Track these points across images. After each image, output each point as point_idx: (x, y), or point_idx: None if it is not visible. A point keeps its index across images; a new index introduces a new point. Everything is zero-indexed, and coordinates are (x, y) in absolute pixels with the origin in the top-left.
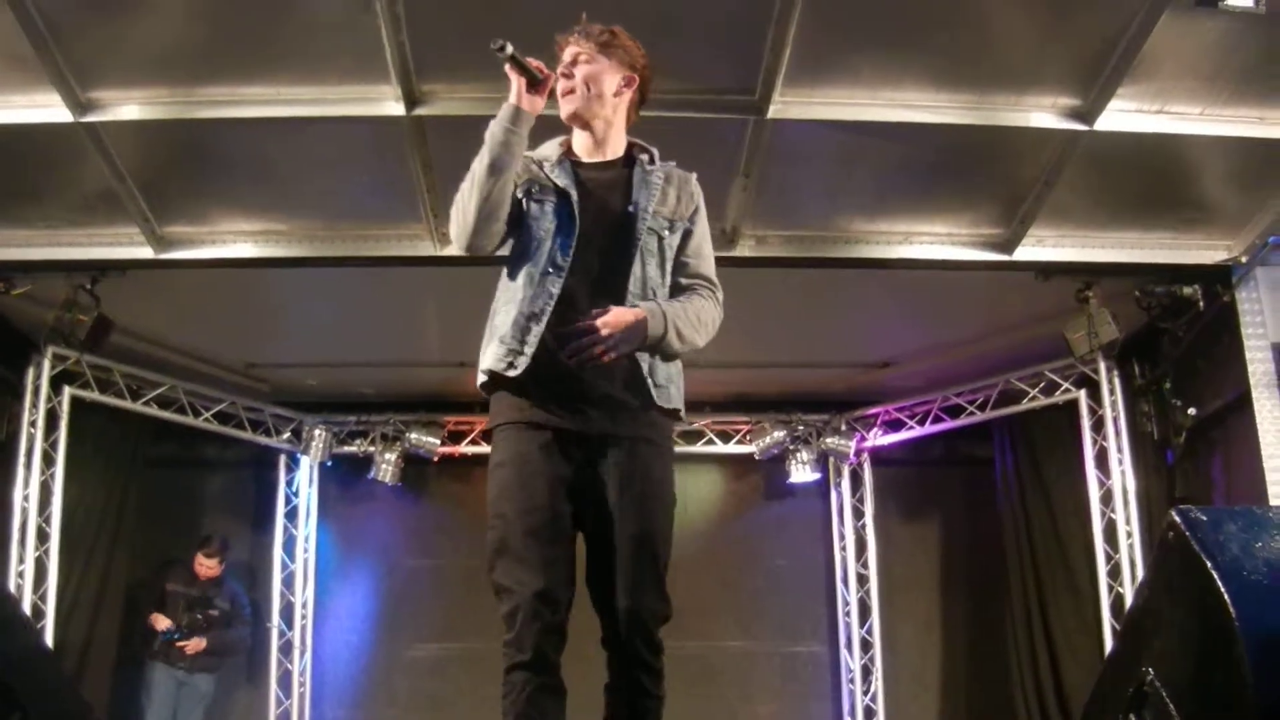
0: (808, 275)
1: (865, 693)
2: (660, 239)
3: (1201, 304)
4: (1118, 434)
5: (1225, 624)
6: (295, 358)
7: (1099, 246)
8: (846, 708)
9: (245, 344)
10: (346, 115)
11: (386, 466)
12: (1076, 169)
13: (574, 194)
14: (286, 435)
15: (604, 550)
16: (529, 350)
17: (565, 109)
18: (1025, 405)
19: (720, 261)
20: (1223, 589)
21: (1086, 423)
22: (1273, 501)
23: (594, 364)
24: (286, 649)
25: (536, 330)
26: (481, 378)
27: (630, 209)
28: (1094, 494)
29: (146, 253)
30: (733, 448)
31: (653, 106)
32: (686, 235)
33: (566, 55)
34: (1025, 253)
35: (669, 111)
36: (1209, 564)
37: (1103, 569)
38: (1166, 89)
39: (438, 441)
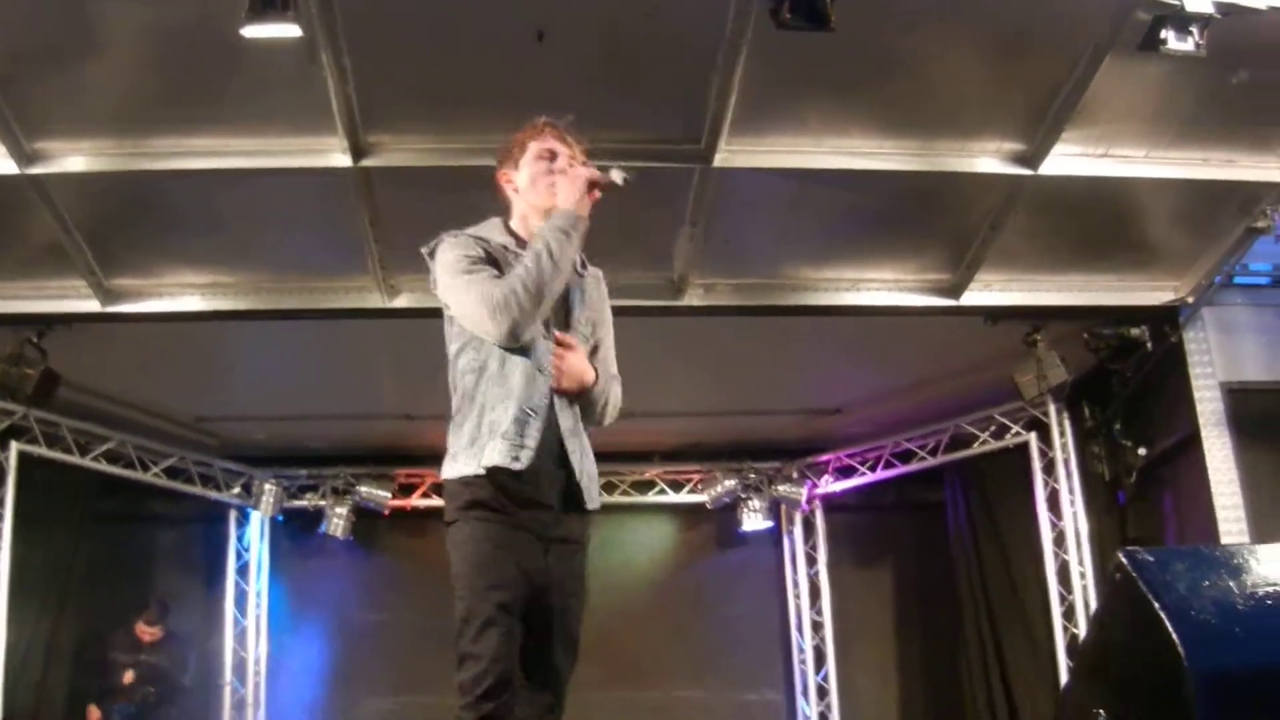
0: (757, 323)
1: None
2: (588, 340)
3: (1150, 345)
4: (1069, 475)
5: (1174, 664)
6: (244, 411)
7: (1046, 290)
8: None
9: (194, 397)
10: (293, 167)
11: (338, 520)
12: (1023, 213)
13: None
14: (237, 490)
15: (540, 637)
16: (531, 444)
17: (557, 200)
18: (976, 449)
19: (668, 311)
20: (1171, 629)
21: (1037, 465)
22: (1224, 539)
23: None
24: (240, 706)
25: (536, 425)
26: (469, 470)
27: (572, 312)
28: (1046, 535)
29: (93, 306)
30: (684, 497)
31: (600, 155)
32: (602, 338)
33: (563, 149)
34: (973, 297)
35: (612, 161)
36: (1156, 604)
37: (1057, 610)
38: (1111, 132)
39: (388, 495)
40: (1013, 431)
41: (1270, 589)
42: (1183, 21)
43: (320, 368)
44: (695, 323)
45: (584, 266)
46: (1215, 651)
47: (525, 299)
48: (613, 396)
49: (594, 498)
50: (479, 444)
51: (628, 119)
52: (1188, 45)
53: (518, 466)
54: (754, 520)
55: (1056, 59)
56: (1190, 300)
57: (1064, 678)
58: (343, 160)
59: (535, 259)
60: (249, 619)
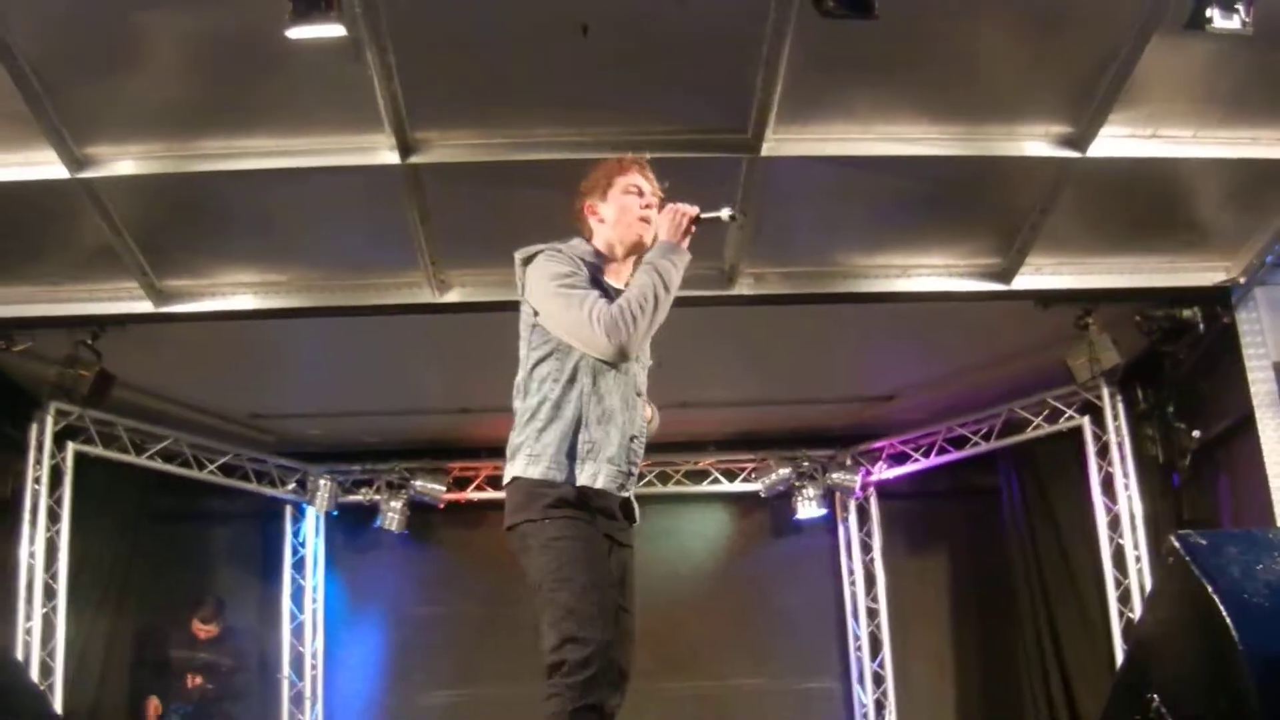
0: (808, 311)
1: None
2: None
3: (1202, 326)
4: (1123, 459)
5: (1228, 647)
6: (298, 408)
7: (1097, 272)
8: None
9: (248, 395)
10: (341, 165)
11: (392, 515)
12: (1071, 196)
13: None
14: (291, 486)
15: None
16: (634, 470)
17: (645, 235)
18: (1029, 434)
19: (719, 301)
20: (1224, 612)
21: (1091, 449)
22: None
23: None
24: (298, 700)
25: (638, 451)
26: (558, 476)
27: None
28: (1101, 519)
29: (146, 307)
30: (738, 486)
31: (646, 147)
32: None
33: (647, 185)
34: (1024, 281)
35: (662, 153)
36: (1210, 588)
37: (1112, 594)
38: (1158, 113)
39: (443, 488)
40: (1066, 415)
41: None
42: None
43: (373, 363)
44: (746, 312)
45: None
46: (1269, 634)
47: (641, 320)
48: None
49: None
50: (578, 457)
51: (673, 111)
52: (1234, 23)
53: (625, 494)
54: (808, 508)
55: (1101, 39)
56: (1242, 280)
57: (1119, 661)
58: (391, 157)
59: (651, 285)
60: (305, 614)
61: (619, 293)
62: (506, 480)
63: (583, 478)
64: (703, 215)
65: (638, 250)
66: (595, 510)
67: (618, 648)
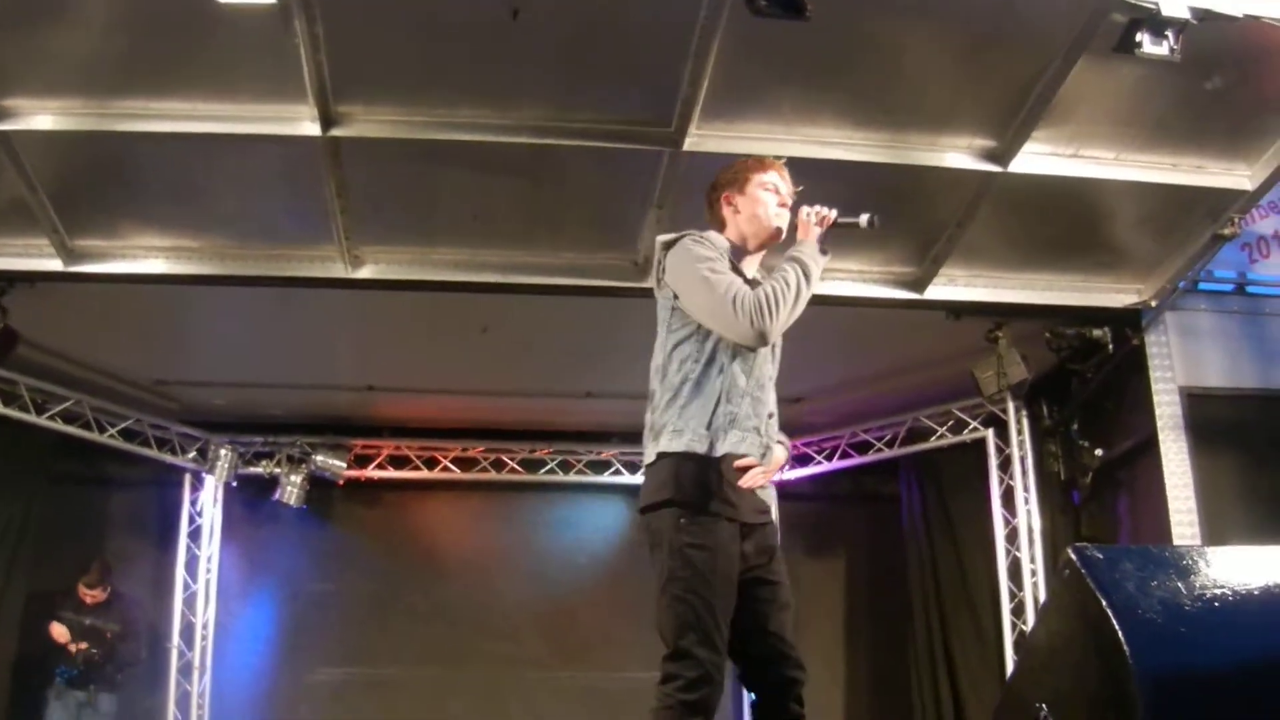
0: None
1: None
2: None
3: (1111, 347)
4: (1024, 473)
5: (1119, 663)
6: (204, 376)
7: (1010, 287)
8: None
9: (154, 360)
10: (262, 134)
11: (291, 489)
12: (990, 210)
13: None
14: (192, 454)
15: (761, 615)
16: (772, 443)
17: (776, 231)
18: (933, 443)
19: (630, 292)
20: (1117, 628)
21: (994, 462)
22: (1177, 544)
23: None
24: (186, 670)
25: (774, 427)
26: (699, 449)
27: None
28: (999, 532)
29: (56, 265)
30: (640, 478)
31: (566, 135)
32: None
33: (784, 184)
34: (937, 291)
35: (583, 140)
36: (1104, 602)
37: (1006, 606)
38: (1082, 133)
39: (344, 465)
40: (970, 427)
41: (1218, 591)
42: (1158, 25)
43: (282, 335)
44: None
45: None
46: (1161, 651)
47: (783, 310)
48: None
49: (773, 494)
50: (715, 428)
51: (598, 100)
52: (1162, 49)
53: (763, 463)
54: None
55: (1030, 57)
56: (1153, 304)
57: (1010, 673)
58: (312, 129)
59: (795, 276)
60: (199, 584)
61: (753, 284)
62: (649, 460)
63: (724, 447)
64: (840, 220)
65: (768, 245)
66: (734, 495)
67: (781, 645)
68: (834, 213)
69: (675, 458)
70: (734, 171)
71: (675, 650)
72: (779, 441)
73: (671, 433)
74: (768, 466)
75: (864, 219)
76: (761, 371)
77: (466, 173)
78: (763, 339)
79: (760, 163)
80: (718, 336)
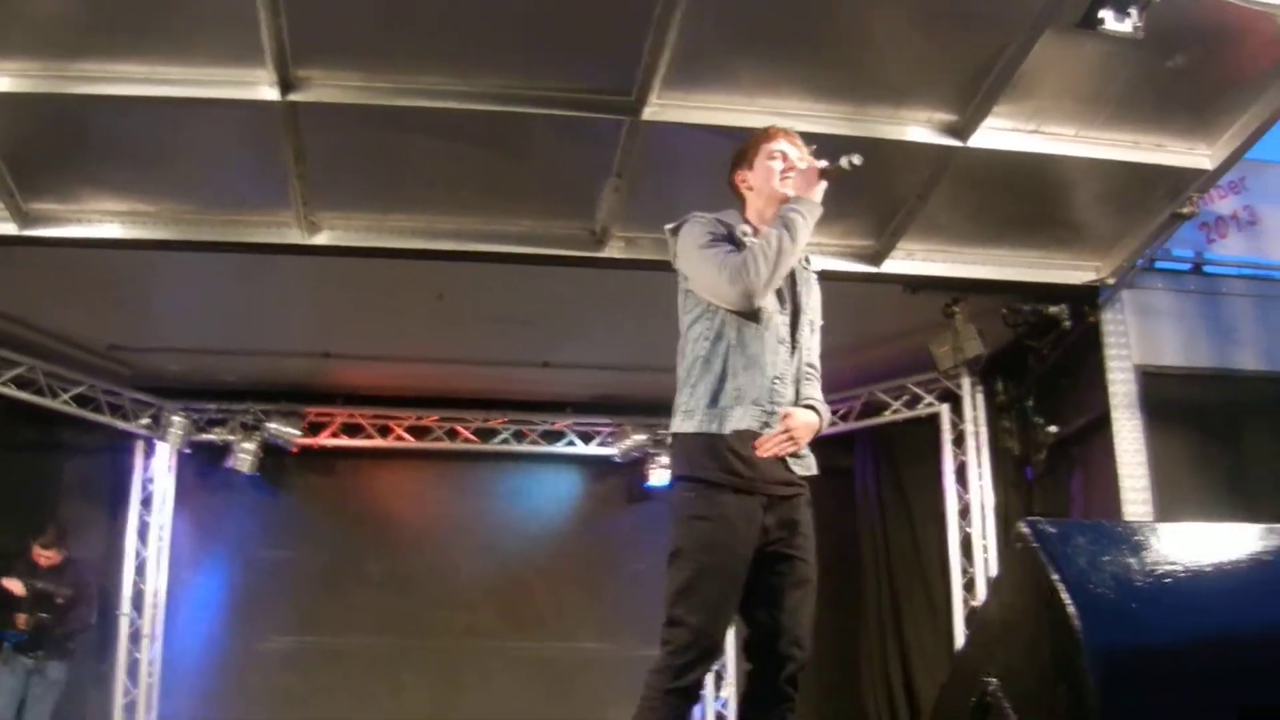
0: (675, 280)
1: (716, 698)
2: (810, 333)
3: (1068, 323)
4: (978, 449)
5: (1069, 637)
6: (158, 342)
7: (968, 262)
8: (698, 714)
9: (108, 326)
10: (220, 98)
11: (245, 456)
12: (950, 184)
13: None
14: (145, 420)
15: (774, 589)
16: (778, 410)
17: (790, 191)
18: (888, 417)
19: (588, 262)
20: (1068, 602)
21: (948, 437)
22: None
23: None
24: (136, 637)
25: (781, 392)
26: (710, 428)
27: (799, 300)
28: (952, 507)
29: (11, 229)
30: (594, 449)
31: (526, 103)
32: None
33: (793, 149)
34: (894, 265)
35: (542, 109)
36: (1055, 576)
37: (958, 581)
38: (1043, 109)
39: (298, 432)
40: (925, 402)
41: (1169, 567)
42: (1122, 2)
43: (237, 301)
44: (614, 275)
45: (808, 261)
46: (1112, 626)
47: (762, 266)
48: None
49: (812, 465)
50: (722, 406)
51: (559, 68)
52: (1126, 26)
53: (768, 431)
54: (661, 476)
55: (993, 32)
56: (1111, 282)
57: (960, 646)
58: (270, 93)
59: (776, 235)
60: (150, 551)
61: None
62: (669, 439)
63: (730, 424)
64: (826, 167)
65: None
66: (752, 466)
67: (777, 601)
68: (822, 163)
69: (685, 437)
70: (743, 149)
71: (669, 617)
72: (809, 405)
73: (683, 414)
74: (785, 431)
75: (844, 160)
76: (772, 335)
77: (426, 139)
78: (747, 299)
79: (765, 133)
80: (724, 313)
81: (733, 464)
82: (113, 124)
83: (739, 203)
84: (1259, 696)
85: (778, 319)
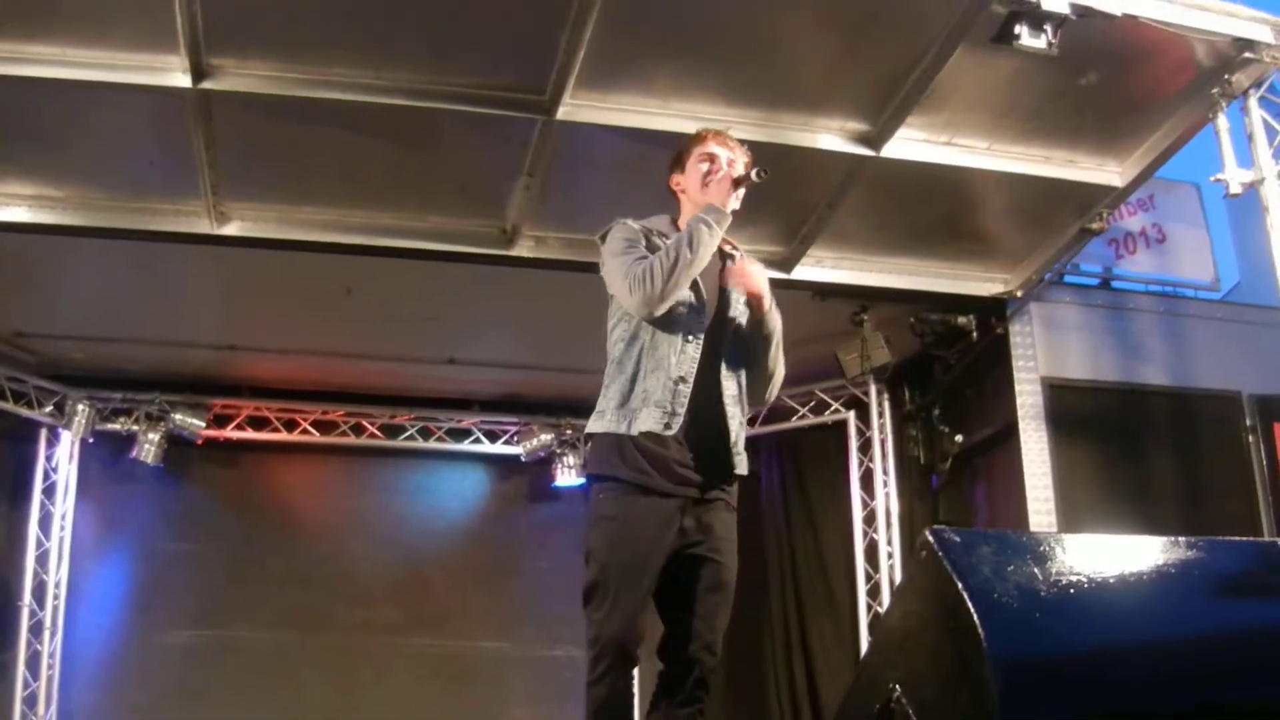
0: (586, 280)
1: None
2: (744, 320)
3: (975, 334)
4: (884, 456)
5: (973, 645)
6: (65, 329)
7: (877, 271)
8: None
9: (14, 312)
10: (131, 83)
11: (149, 446)
12: (861, 193)
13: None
14: (49, 409)
15: (688, 591)
16: (680, 410)
17: (708, 197)
18: (794, 423)
19: (496, 260)
20: (972, 611)
21: (854, 443)
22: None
23: (741, 286)
24: (37, 630)
25: (685, 391)
26: (619, 429)
27: (734, 302)
28: (857, 514)
29: None
30: (500, 448)
31: (440, 99)
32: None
33: (724, 151)
34: (804, 272)
35: (455, 104)
36: (960, 585)
37: (862, 587)
38: (956, 121)
39: (202, 424)
40: (832, 409)
41: (1073, 577)
42: (1037, 19)
43: (145, 290)
44: (523, 275)
45: (735, 249)
46: (1015, 636)
47: (659, 276)
48: (781, 375)
49: (743, 464)
50: (630, 408)
51: (474, 64)
52: (1040, 43)
53: (669, 433)
54: (567, 476)
55: (908, 43)
56: (1019, 294)
57: (864, 653)
58: (182, 80)
59: (675, 244)
60: (52, 541)
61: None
62: (584, 438)
63: (638, 425)
64: (739, 176)
65: None
66: (663, 468)
67: (685, 609)
68: (736, 172)
69: (597, 437)
70: (678, 152)
71: (587, 618)
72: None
73: (596, 414)
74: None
75: (752, 172)
76: (677, 334)
77: (337, 132)
78: (646, 308)
79: (697, 136)
80: (645, 328)
81: (640, 463)
82: (21, 106)
83: (675, 208)
84: (1158, 705)
85: (687, 319)
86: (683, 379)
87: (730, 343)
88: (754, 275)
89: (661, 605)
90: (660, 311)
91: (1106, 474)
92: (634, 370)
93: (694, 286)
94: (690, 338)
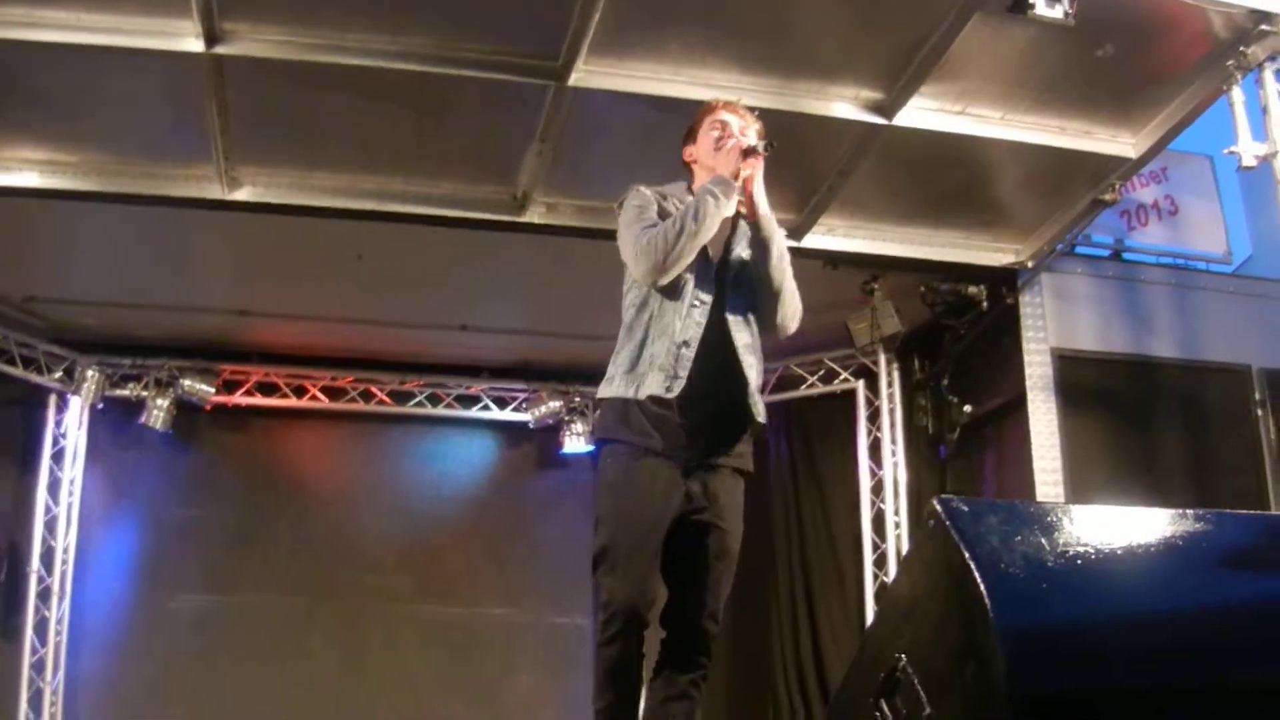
0: (597, 246)
1: None
2: (747, 257)
3: (985, 305)
4: (893, 426)
5: (980, 615)
6: (76, 294)
7: (889, 240)
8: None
9: (26, 277)
10: (144, 48)
11: (158, 412)
12: (873, 162)
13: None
14: (59, 374)
15: (692, 559)
16: (683, 374)
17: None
18: (803, 391)
19: (508, 226)
20: (979, 580)
21: (863, 413)
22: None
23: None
24: (45, 595)
25: (688, 355)
26: (627, 393)
27: (737, 252)
28: (865, 483)
29: None
30: (509, 415)
31: (454, 64)
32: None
33: (735, 120)
34: (815, 240)
35: (468, 70)
36: (967, 554)
37: (869, 557)
38: (970, 90)
39: (212, 390)
40: (841, 378)
41: (1080, 549)
42: None
43: (155, 256)
44: (534, 241)
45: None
46: (1022, 606)
47: (665, 245)
48: (794, 298)
49: (761, 411)
50: (638, 373)
51: (488, 30)
52: (1056, 13)
53: (670, 395)
54: (575, 443)
55: (923, 11)
56: (1030, 265)
57: (870, 623)
58: (195, 45)
59: (683, 213)
60: (60, 507)
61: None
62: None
63: (644, 389)
64: (745, 146)
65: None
66: (668, 432)
67: (691, 571)
68: (746, 142)
69: (604, 402)
70: (691, 124)
71: (594, 581)
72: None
73: (606, 380)
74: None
75: (760, 144)
76: (683, 300)
77: (351, 98)
78: (650, 277)
79: (707, 106)
80: (653, 294)
81: (644, 427)
82: (34, 71)
83: (689, 179)
84: (1165, 677)
85: (691, 285)
86: (686, 344)
87: (738, 292)
88: (754, 179)
89: (665, 572)
90: (665, 280)
91: (1115, 445)
92: (642, 336)
93: (703, 251)
94: (697, 302)
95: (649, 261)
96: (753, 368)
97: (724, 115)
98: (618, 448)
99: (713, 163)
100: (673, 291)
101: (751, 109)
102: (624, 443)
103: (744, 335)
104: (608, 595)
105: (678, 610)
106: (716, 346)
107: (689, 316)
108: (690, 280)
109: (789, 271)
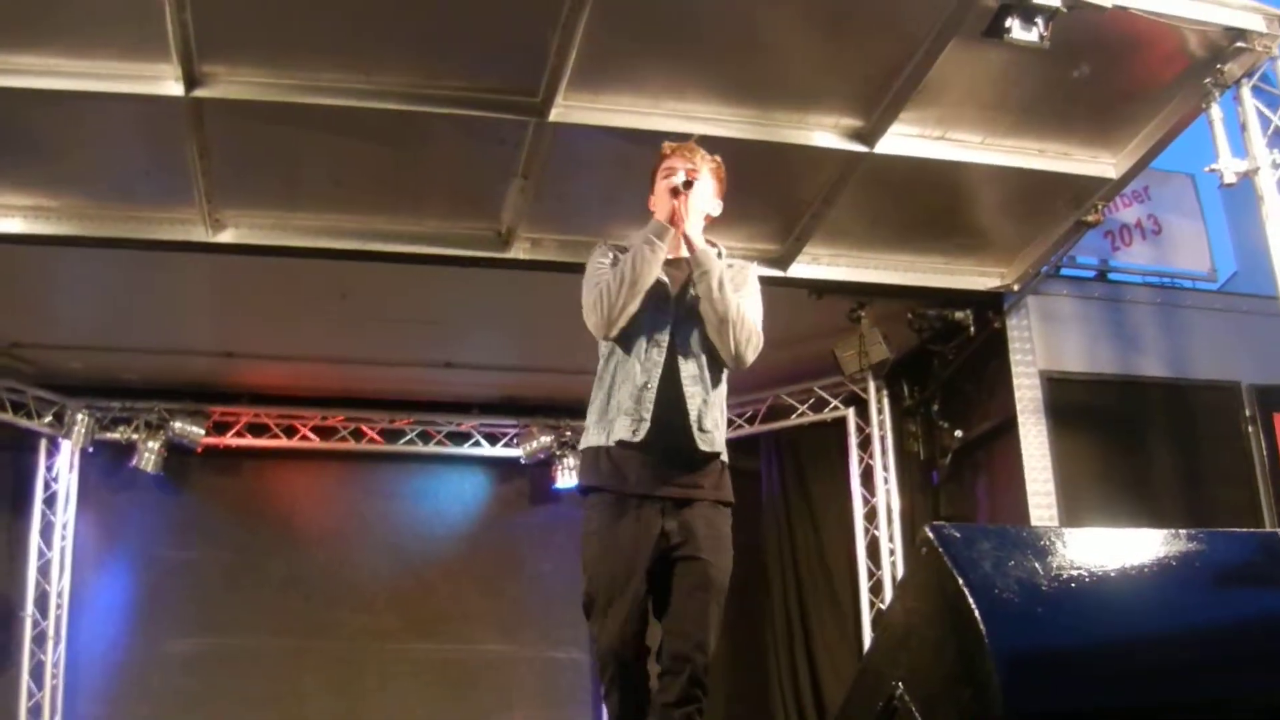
0: (581, 281)
1: None
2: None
3: (972, 329)
4: (884, 452)
5: (975, 640)
6: (62, 339)
7: (874, 267)
8: (604, 714)
9: (10, 323)
10: (124, 92)
11: (149, 455)
12: (856, 189)
13: (667, 284)
14: (48, 419)
15: (675, 593)
16: (646, 416)
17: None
18: (794, 421)
19: (493, 263)
20: (974, 606)
21: (854, 440)
22: (1033, 525)
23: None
24: (40, 639)
25: (649, 397)
26: (599, 441)
27: (693, 295)
28: (858, 511)
29: None
30: (499, 450)
31: (432, 103)
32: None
33: (682, 164)
34: (800, 270)
35: (448, 108)
36: (961, 580)
37: (864, 584)
38: (949, 116)
39: (202, 431)
40: (831, 406)
41: (1074, 572)
42: (1029, 12)
43: (142, 299)
44: (520, 276)
45: (720, 255)
46: (1017, 631)
47: (609, 299)
48: (742, 328)
49: (711, 442)
50: (608, 419)
51: (466, 67)
52: (1032, 36)
53: (637, 439)
54: (567, 478)
55: (900, 38)
56: (1016, 288)
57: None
58: (175, 89)
59: (622, 265)
60: (54, 551)
61: (669, 263)
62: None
63: (614, 435)
64: (672, 186)
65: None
66: (636, 472)
67: (687, 625)
68: (675, 182)
69: (583, 453)
70: (652, 172)
71: (589, 630)
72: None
73: (584, 431)
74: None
75: (680, 182)
76: (641, 343)
77: (330, 137)
78: (601, 331)
79: (660, 153)
80: (618, 341)
81: (615, 472)
82: (14, 117)
83: None
84: (1159, 697)
85: (649, 327)
86: (646, 385)
87: (693, 326)
88: (680, 215)
89: (657, 611)
90: (615, 333)
91: (1107, 466)
92: (609, 383)
93: (662, 291)
94: (656, 343)
95: (596, 317)
96: (696, 397)
97: (671, 161)
98: (595, 496)
99: (654, 208)
100: (630, 336)
101: (705, 146)
102: (601, 490)
103: (690, 367)
104: (597, 643)
105: (668, 644)
106: (669, 382)
107: (648, 358)
108: (645, 323)
109: (733, 301)
